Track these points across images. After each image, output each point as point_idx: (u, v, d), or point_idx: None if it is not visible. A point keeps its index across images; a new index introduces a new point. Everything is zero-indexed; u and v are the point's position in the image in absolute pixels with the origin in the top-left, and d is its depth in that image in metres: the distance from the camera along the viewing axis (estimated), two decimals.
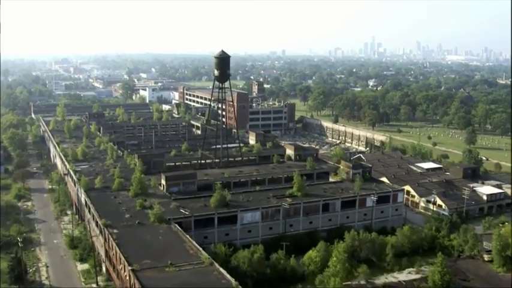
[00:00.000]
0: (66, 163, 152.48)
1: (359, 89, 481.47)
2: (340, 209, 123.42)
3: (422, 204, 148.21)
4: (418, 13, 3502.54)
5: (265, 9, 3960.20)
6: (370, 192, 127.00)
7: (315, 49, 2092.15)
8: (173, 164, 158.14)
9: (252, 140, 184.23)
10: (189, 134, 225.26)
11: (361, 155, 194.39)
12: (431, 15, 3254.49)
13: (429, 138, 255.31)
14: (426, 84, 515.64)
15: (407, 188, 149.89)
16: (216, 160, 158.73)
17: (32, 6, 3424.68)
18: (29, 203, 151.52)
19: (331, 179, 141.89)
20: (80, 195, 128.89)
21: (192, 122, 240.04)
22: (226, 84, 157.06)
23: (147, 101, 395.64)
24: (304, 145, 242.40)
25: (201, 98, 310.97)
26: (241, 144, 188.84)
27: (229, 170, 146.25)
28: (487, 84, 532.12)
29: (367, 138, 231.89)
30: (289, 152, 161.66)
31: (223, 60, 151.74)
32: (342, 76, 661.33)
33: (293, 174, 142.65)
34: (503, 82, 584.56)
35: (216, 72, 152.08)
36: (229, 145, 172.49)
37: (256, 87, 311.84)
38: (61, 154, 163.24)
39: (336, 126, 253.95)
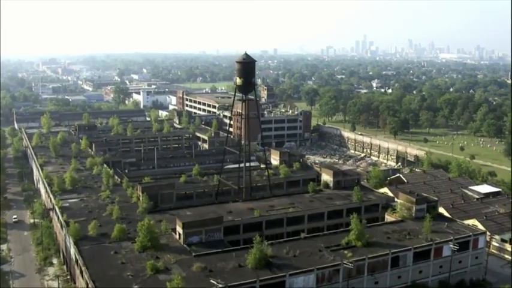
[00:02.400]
0: (51, 196, 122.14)
1: (365, 91, 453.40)
2: (412, 262, 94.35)
3: (495, 243, 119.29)
4: (410, 11, 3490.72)
5: (256, 8, 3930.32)
6: (447, 239, 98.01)
7: (305, 47, 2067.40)
8: (184, 193, 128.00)
9: (274, 160, 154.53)
10: (195, 149, 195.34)
11: (400, 175, 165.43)
12: (422, 13, 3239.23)
13: (462, 149, 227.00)
14: (435, 85, 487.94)
15: (472, 222, 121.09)
16: (235, 187, 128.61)
17: (20, 6, 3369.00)
18: (5, 246, 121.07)
19: (387, 217, 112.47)
20: (68, 243, 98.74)
21: (198, 134, 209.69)
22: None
23: (142, 106, 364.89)
24: (325, 159, 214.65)
25: (204, 104, 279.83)
26: (260, 164, 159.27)
27: (257, 204, 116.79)
28: (497, 84, 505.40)
29: (397, 151, 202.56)
30: (326, 177, 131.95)
31: (247, 66, 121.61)
32: (343, 76, 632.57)
33: (338, 208, 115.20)
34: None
35: (239, 81, 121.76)
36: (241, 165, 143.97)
37: (266, 92, 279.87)
38: (45, 182, 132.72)
39: (359, 137, 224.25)
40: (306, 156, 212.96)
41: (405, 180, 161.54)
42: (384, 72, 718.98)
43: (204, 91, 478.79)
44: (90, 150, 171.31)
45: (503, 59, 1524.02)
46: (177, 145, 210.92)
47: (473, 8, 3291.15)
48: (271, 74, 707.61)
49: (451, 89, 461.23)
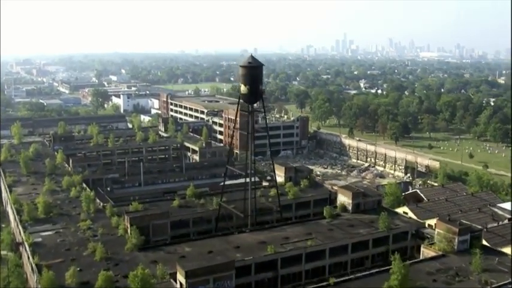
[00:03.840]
0: (20, 227, 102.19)
1: (354, 92, 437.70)
2: None
3: None
4: (389, 10, 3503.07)
5: (234, 7, 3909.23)
6: (506, 282, 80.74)
7: (285, 46, 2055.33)
8: (178, 220, 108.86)
9: (279, 177, 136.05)
10: (184, 161, 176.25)
11: (417, 191, 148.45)
12: (402, 12, 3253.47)
13: (471, 157, 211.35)
14: (426, 85, 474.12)
15: None
16: (241, 214, 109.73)
17: None
18: None
19: (424, 250, 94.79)
20: None
21: (187, 144, 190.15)
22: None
23: (122, 110, 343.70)
24: (325, 169, 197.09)
25: (191, 109, 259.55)
26: (262, 181, 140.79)
27: (268, 235, 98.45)
28: (488, 84, 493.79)
29: (406, 161, 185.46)
30: (344, 199, 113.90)
31: (253, 71, 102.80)
32: (329, 76, 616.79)
33: (363, 239, 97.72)
34: (503, 82, 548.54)
35: (243, 89, 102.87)
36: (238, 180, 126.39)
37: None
38: (13, 208, 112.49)
39: (362, 145, 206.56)
40: None
41: (423, 197, 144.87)
42: (369, 72, 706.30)
43: (187, 93, 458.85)
44: (67, 165, 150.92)
45: (483, 57, 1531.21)
46: (163, 156, 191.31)
47: (452, 7, 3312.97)
48: None
49: (442, 90, 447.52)
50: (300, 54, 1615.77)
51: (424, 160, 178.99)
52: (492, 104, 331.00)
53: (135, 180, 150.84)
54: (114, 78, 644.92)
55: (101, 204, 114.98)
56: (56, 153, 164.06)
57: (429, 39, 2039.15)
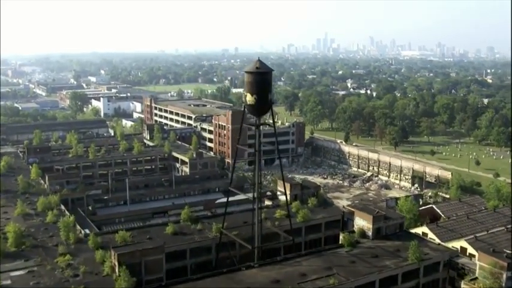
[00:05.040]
0: None
1: (343, 92, 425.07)
2: None
3: None
4: (369, 9, 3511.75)
5: (214, 6, 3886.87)
6: None
7: (266, 45, 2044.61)
8: (174, 251, 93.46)
9: (282, 194, 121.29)
10: (173, 174, 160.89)
11: (433, 206, 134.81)
12: (382, 11, 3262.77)
13: (477, 163, 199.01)
14: (415, 85, 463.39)
15: None
16: (249, 246, 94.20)
17: None
18: None
19: (464, 287, 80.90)
20: None
21: (175, 155, 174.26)
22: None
23: (102, 114, 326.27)
24: (325, 179, 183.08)
25: (177, 114, 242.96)
26: (267, 201, 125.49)
27: (280, 270, 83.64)
28: (478, 84, 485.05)
29: (413, 170, 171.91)
30: (363, 223, 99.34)
31: (262, 78, 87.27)
32: (314, 76, 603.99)
33: (392, 274, 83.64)
34: (491, 81, 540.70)
35: (250, 99, 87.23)
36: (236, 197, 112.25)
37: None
38: None
39: (363, 152, 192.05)
40: (303, 177, 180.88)
41: (440, 214, 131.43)
42: (354, 71, 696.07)
43: (169, 95, 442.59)
44: (42, 182, 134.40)
45: (464, 55, 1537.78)
46: (150, 167, 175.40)
47: (433, 6, 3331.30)
48: (237, 75, 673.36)
49: (433, 90, 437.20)
50: (281, 53, 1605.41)
51: (433, 170, 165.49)
52: (486, 103, 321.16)
53: (120, 198, 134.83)
54: (93, 79, 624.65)
55: (82, 232, 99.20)
56: (30, 166, 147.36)
57: (410, 38, 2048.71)
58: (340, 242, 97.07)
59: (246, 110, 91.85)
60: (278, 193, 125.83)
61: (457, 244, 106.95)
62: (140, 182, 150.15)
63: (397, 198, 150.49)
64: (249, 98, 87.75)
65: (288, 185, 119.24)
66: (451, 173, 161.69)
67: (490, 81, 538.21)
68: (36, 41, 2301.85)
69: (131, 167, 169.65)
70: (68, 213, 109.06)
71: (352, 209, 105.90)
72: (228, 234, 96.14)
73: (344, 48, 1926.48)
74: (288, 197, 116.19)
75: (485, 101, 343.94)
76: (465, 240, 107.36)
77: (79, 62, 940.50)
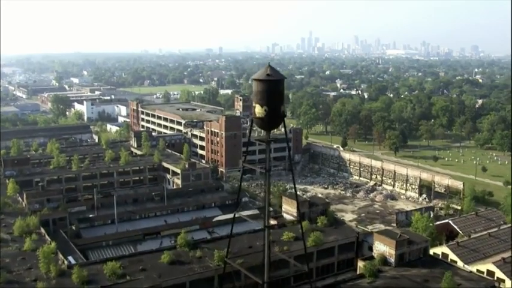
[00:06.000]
0: None
1: (334, 93, 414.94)
2: None
3: None
4: (353, 8, 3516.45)
5: (198, 5, 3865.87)
6: None
7: (250, 45, 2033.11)
8: (172, 285, 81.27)
9: (287, 214, 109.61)
10: (164, 187, 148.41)
11: (450, 222, 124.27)
12: (366, 10, 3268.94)
13: (484, 170, 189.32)
14: (406, 85, 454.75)
15: None
16: (260, 281, 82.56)
17: None
18: None
19: None
20: None
21: (166, 165, 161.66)
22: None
23: (86, 119, 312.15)
24: (326, 189, 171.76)
25: (165, 119, 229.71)
26: (272, 222, 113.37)
27: None
28: (470, 83, 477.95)
29: (421, 179, 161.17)
30: (384, 248, 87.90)
31: (274, 86, 74.08)
32: (302, 77, 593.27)
33: None
34: (481, 80, 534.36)
35: (259, 111, 73.73)
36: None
37: (241, 103, 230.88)
38: None
39: (365, 160, 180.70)
40: (302, 187, 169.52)
41: (458, 230, 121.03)
42: (341, 71, 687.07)
43: (155, 97, 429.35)
44: (20, 200, 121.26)
45: (449, 54, 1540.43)
46: (138, 178, 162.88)
47: (416, 5, 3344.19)
48: (223, 75, 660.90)
49: (425, 91, 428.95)
50: (266, 53, 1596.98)
51: (443, 179, 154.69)
52: (480, 104, 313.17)
53: (107, 216, 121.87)
54: (75, 80, 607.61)
55: (65, 261, 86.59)
56: (7, 181, 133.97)
57: (395, 37, 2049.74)
58: (358, 271, 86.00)
59: (253, 122, 79.01)
60: (282, 209, 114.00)
61: (482, 267, 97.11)
62: (128, 197, 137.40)
63: (407, 212, 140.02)
64: (259, 110, 74.45)
65: (293, 203, 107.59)
66: (463, 183, 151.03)
67: (481, 80, 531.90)
68: (17, 41, 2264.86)
69: (118, 179, 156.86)
70: (49, 239, 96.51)
71: (365, 229, 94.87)
72: (232, 265, 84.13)
73: (329, 48, 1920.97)
74: (291, 216, 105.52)
75: (480, 101, 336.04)
76: (492, 263, 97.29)
77: (61, 63, 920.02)
